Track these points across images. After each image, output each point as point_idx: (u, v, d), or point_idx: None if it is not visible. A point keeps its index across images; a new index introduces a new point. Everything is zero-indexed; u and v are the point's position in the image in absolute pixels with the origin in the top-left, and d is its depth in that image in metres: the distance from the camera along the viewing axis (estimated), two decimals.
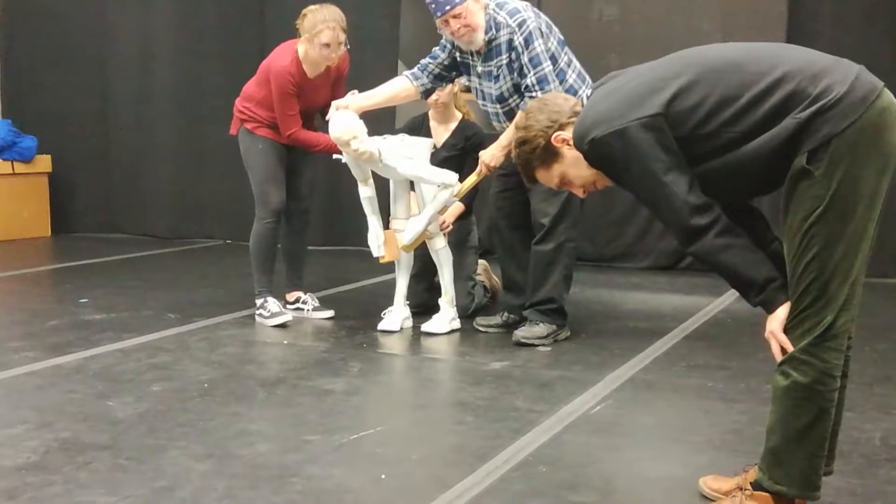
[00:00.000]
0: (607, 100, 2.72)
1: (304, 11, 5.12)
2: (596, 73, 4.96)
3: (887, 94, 2.56)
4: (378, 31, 7.66)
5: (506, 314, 5.18)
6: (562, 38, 4.76)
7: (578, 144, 2.74)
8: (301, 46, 5.15)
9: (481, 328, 5.17)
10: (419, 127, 5.57)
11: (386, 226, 5.22)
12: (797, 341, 2.56)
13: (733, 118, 2.56)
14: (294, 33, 5.23)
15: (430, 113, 5.56)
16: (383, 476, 3.14)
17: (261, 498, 2.95)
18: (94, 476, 3.11)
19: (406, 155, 4.90)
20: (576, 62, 4.80)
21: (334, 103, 4.95)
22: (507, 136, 4.68)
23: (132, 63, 8.81)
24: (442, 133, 5.53)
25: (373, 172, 5.10)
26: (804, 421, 2.58)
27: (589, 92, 4.76)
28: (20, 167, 8.68)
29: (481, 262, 5.92)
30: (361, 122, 4.83)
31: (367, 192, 5.13)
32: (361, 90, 5.39)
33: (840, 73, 2.55)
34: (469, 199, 5.37)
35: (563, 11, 7.77)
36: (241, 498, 2.94)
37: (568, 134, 2.80)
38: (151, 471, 3.15)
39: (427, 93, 5.06)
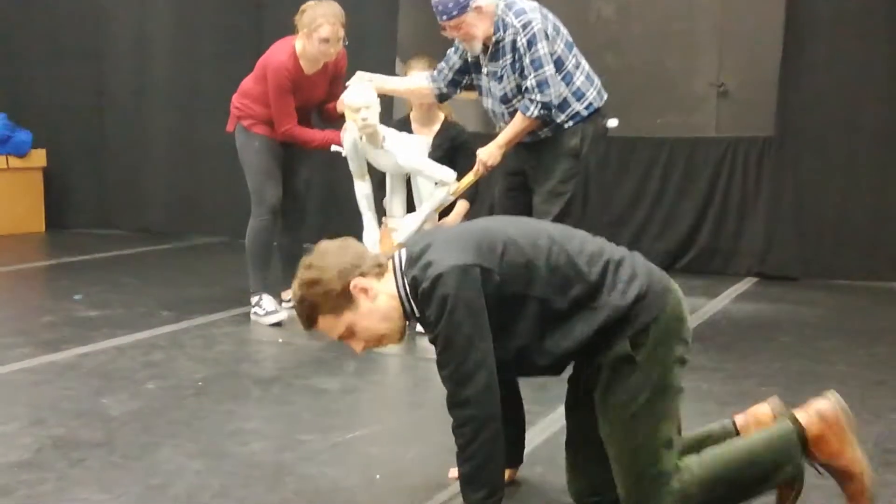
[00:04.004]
0: (446, 247, 2.64)
1: (303, 7, 5.10)
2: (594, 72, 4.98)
3: (673, 283, 2.74)
4: (376, 29, 7.64)
5: None
6: (570, 40, 4.75)
7: (416, 281, 2.62)
8: (299, 42, 5.13)
9: None
10: (401, 129, 5.54)
11: (381, 224, 5.21)
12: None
13: (556, 287, 2.60)
14: (292, 30, 5.22)
15: (413, 115, 5.54)
16: (378, 476, 3.14)
17: (254, 496, 2.95)
18: (87, 473, 3.10)
19: (407, 145, 4.91)
20: (585, 64, 4.79)
21: (358, 73, 4.92)
22: (506, 135, 4.69)
23: (128, 58, 8.80)
24: (425, 134, 5.51)
25: (369, 168, 5.09)
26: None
27: (594, 95, 4.76)
28: (15, 162, 8.66)
29: None
30: (378, 99, 4.85)
31: (363, 189, 5.12)
32: None
33: (638, 264, 2.72)
34: (472, 196, 5.37)
35: (561, 11, 7.71)
36: (235, 496, 2.94)
37: (367, 283, 2.69)
38: (145, 468, 3.15)
39: (442, 96, 5.04)
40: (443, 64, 4.95)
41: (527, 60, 4.57)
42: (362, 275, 2.70)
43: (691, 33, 7.81)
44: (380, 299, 2.71)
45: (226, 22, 8.36)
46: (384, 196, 5.28)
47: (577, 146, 4.71)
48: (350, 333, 2.76)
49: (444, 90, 4.98)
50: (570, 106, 4.68)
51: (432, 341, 2.65)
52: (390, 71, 7.64)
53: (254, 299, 5.34)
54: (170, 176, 8.75)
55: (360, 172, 5.10)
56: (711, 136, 7.54)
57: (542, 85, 4.57)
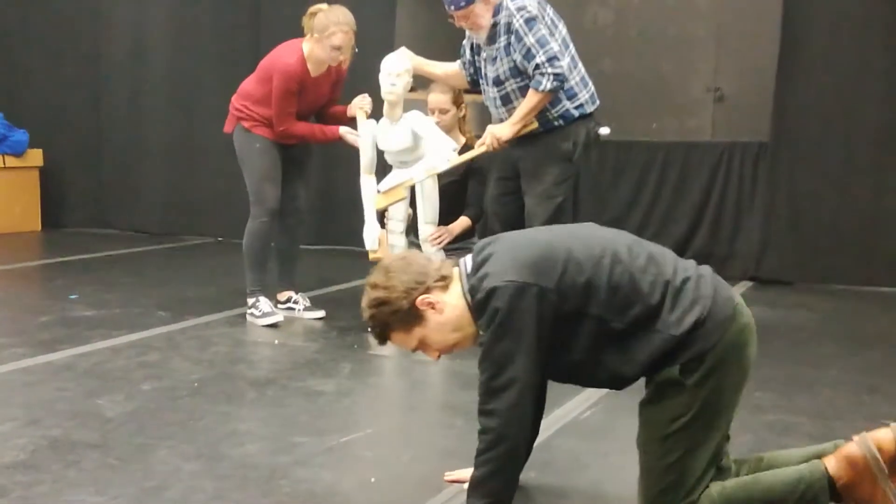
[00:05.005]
0: (507, 260, 2.64)
1: (313, 9, 5.09)
2: (590, 78, 5.00)
3: (745, 309, 2.67)
4: (373, 30, 7.63)
5: None
6: (567, 39, 4.77)
7: (474, 291, 2.65)
8: (306, 45, 5.13)
9: None
10: None
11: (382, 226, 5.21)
12: None
13: (615, 308, 2.59)
14: (290, 31, 5.22)
15: None
16: (373, 479, 3.14)
17: (250, 499, 2.95)
18: (83, 475, 3.10)
19: (425, 120, 5.01)
20: (581, 67, 4.82)
21: (402, 48, 5.03)
22: (519, 112, 4.69)
23: (125, 58, 8.81)
24: None
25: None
26: None
27: (587, 97, 4.78)
28: (11, 161, 8.66)
29: None
30: (411, 77, 4.94)
31: (370, 185, 5.12)
32: (357, 89, 5.40)
33: (704, 288, 2.64)
34: (476, 214, 5.40)
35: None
36: (230, 499, 2.94)
37: (434, 297, 2.71)
38: (141, 470, 3.15)
39: (473, 83, 5.09)
40: (461, 61, 5.04)
41: (531, 40, 4.58)
42: (427, 290, 2.72)
43: (687, 38, 7.84)
44: (447, 311, 2.73)
45: (223, 22, 8.37)
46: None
47: (570, 150, 4.74)
48: (424, 346, 2.81)
49: (474, 77, 5.05)
50: (560, 102, 4.70)
51: (479, 344, 2.68)
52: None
53: (250, 301, 5.34)
54: (167, 176, 8.75)
55: (370, 167, 5.12)
56: (707, 140, 7.57)
57: (552, 60, 4.58)
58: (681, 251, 7.05)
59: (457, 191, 5.46)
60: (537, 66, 4.60)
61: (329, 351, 4.81)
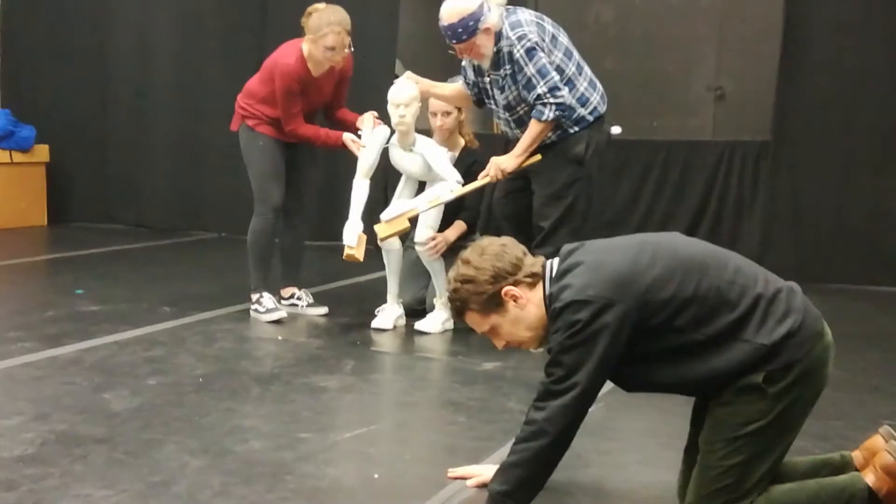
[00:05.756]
0: (591, 273, 2.64)
1: (310, 10, 5.12)
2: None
3: (828, 329, 2.73)
4: (376, 31, 7.68)
5: None
6: (570, 48, 4.81)
7: (553, 298, 2.67)
8: (305, 45, 5.16)
9: None
10: None
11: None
12: None
13: (699, 320, 2.59)
14: (295, 30, 5.25)
15: (434, 139, 5.56)
16: (376, 475, 3.17)
17: (255, 494, 2.99)
18: (90, 469, 3.14)
19: (436, 148, 5.02)
20: (587, 71, 4.86)
21: (407, 73, 5.04)
22: (523, 144, 4.77)
23: (132, 55, 8.83)
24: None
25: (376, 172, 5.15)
26: None
27: (598, 100, 4.82)
28: (18, 156, 8.69)
29: None
30: (419, 102, 4.96)
31: (362, 188, 5.14)
32: (359, 89, 5.44)
33: (796, 301, 2.68)
34: (471, 218, 5.43)
35: (559, 13, 7.78)
36: (236, 495, 2.98)
37: (519, 292, 2.73)
38: (147, 465, 3.19)
39: (479, 102, 5.15)
40: (463, 81, 5.08)
41: (531, 70, 4.64)
42: (516, 283, 2.74)
43: (689, 37, 7.86)
44: (528, 309, 2.75)
45: (229, 20, 8.39)
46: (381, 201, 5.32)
47: (581, 153, 4.78)
48: (494, 333, 2.83)
49: (479, 97, 5.10)
50: (575, 112, 4.75)
51: (548, 350, 2.70)
52: (391, 72, 7.69)
53: (254, 297, 5.38)
54: (172, 172, 8.78)
55: (368, 171, 5.14)
56: (708, 139, 7.59)
57: (553, 90, 4.65)
58: None
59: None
60: (539, 97, 4.66)
61: (332, 347, 4.84)
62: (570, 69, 4.76)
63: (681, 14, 7.85)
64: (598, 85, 4.88)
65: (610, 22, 8.04)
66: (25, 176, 8.79)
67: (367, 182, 5.16)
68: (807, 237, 6.80)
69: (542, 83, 4.64)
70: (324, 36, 5.02)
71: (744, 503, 2.64)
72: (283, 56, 5.21)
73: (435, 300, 5.18)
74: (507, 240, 2.84)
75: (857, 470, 2.83)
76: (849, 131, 6.65)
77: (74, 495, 2.94)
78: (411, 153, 5.00)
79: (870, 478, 2.72)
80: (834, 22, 6.62)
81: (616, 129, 4.95)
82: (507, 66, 4.71)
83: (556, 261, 2.77)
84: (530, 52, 4.64)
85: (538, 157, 4.81)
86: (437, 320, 5.12)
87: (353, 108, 5.46)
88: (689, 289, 2.60)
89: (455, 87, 5.19)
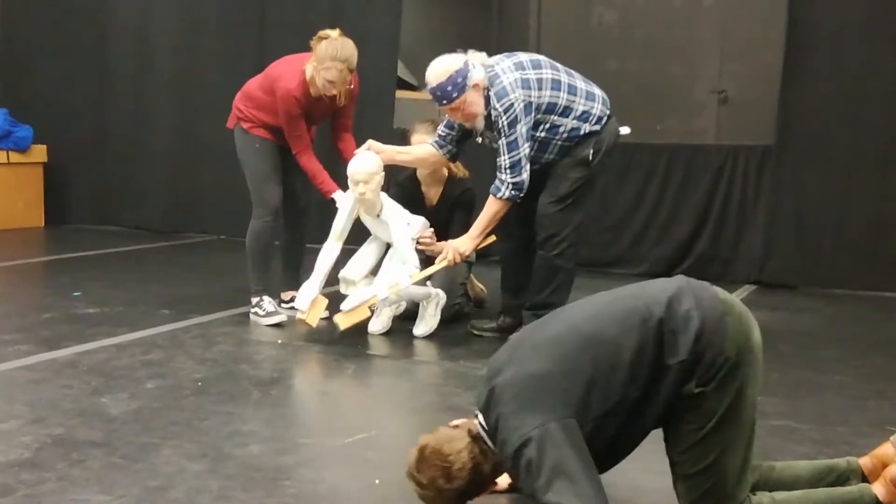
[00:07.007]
0: (511, 414, 2.58)
1: (321, 34, 5.04)
2: (594, 78, 5.00)
3: (732, 299, 2.67)
4: (378, 31, 7.65)
5: (501, 318, 5.19)
6: (555, 77, 4.76)
7: (503, 458, 2.62)
8: (309, 67, 5.10)
9: (476, 332, 5.19)
10: (410, 186, 5.57)
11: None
12: None
13: (626, 381, 2.56)
14: (294, 31, 5.22)
15: (419, 172, 5.53)
16: (377, 481, 3.14)
17: (254, 499, 2.96)
18: (88, 474, 3.11)
19: (406, 221, 4.99)
20: (580, 84, 4.81)
21: (368, 142, 4.98)
22: (479, 225, 4.83)
23: (130, 55, 8.81)
24: (434, 189, 5.57)
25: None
26: None
27: (600, 107, 4.79)
28: (15, 157, 8.67)
29: None
30: (382, 172, 4.91)
31: (332, 251, 5.12)
32: (360, 90, 5.39)
33: (687, 300, 2.61)
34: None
35: (562, 16, 7.79)
36: (235, 499, 2.95)
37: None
38: (145, 470, 3.15)
39: (454, 157, 5.12)
40: (445, 131, 5.01)
41: (504, 141, 4.64)
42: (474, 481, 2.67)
43: (692, 40, 7.83)
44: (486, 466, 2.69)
45: (228, 20, 8.36)
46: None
47: (588, 155, 4.77)
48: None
49: (454, 150, 5.05)
50: (580, 131, 4.75)
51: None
52: (392, 73, 7.67)
53: (254, 300, 5.34)
54: (170, 173, 8.75)
55: (340, 235, 5.12)
56: (711, 143, 7.56)
57: (514, 167, 4.67)
58: (684, 254, 7.09)
59: (446, 218, 5.50)
60: (499, 168, 4.68)
61: (332, 351, 4.81)
62: (562, 98, 4.73)
63: (684, 17, 7.82)
64: (597, 92, 4.86)
65: (613, 25, 8.01)
66: (22, 176, 8.76)
67: (339, 245, 5.13)
68: (810, 242, 6.78)
69: (507, 156, 4.66)
70: (327, 69, 4.97)
71: (739, 500, 2.61)
72: (286, 78, 5.14)
73: (424, 303, 5.15)
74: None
75: (864, 476, 2.81)
76: (852, 136, 6.63)
77: (72, 500, 2.91)
78: (381, 222, 5.00)
79: (879, 490, 2.71)
80: (837, 25, 6.60)
81: (625, 130, 4.95)
82: (497, 132, 4.71)
83: (480, 419, 2.69)
84: (512, 124, 4.63)
85: (493, 238, 4.90)
86: (428, 319, 5.14)
87: (354, 109, 5.43)
88: (604, 368, 2.55)
89: (422, 149, 5.13)
